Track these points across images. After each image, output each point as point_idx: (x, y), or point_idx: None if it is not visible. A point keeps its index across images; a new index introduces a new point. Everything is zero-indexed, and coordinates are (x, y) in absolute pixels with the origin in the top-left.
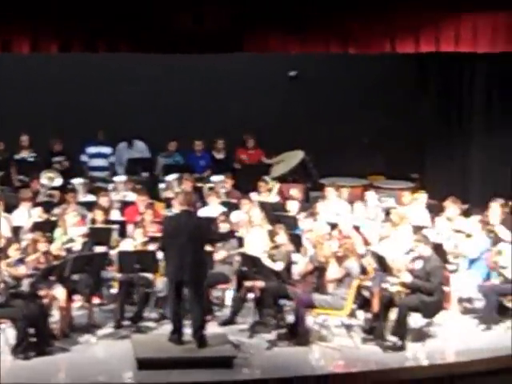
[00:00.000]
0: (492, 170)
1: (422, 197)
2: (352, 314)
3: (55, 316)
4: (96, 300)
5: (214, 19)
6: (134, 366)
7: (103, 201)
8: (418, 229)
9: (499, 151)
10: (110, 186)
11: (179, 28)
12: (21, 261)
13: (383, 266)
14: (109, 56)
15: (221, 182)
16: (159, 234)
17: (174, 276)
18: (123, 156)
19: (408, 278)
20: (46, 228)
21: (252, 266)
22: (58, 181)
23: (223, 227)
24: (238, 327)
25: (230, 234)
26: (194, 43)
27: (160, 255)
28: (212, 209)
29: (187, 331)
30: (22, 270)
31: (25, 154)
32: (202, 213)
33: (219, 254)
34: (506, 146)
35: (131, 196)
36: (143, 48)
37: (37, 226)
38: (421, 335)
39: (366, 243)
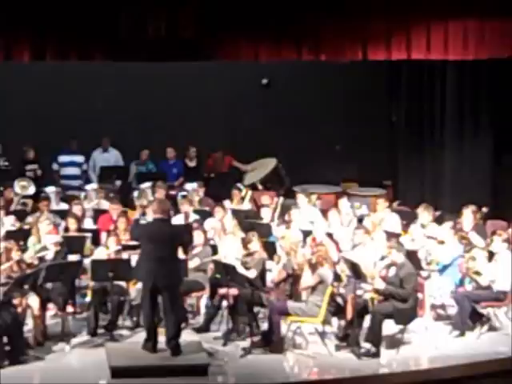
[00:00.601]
0: (464, 176)
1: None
2: (326, 321)
3: (29, 325)
4: (70, 308)
5: (186, 28)
6: (108, 375)
7: (76, 209)
8: (391, 236)
9: (471, 158)
10: (83, 195)
11: (152, 37)
12: None
13: (357, 273)
14: (82, 64)
15: (194, 189)
16: (132, 243)
17: (148, 284)
18: (97, 162)
19: (381, 285)
20: (19, 236)
21: (226, 273)
22: (31, 189)
23: (197, 235)
24: (212, 335)
25: (204, 242)
26: (166, 52)
27: (133, 263)
28: (185, 217)
29: (161, 339)
30: None
31: None
32: (176, 221)
33: (193, 262)
34: (478, 153)
35: (104, 204)
36: (116, 56)
37: (10, 235)
38: (395, 342)
39: (340, 250)
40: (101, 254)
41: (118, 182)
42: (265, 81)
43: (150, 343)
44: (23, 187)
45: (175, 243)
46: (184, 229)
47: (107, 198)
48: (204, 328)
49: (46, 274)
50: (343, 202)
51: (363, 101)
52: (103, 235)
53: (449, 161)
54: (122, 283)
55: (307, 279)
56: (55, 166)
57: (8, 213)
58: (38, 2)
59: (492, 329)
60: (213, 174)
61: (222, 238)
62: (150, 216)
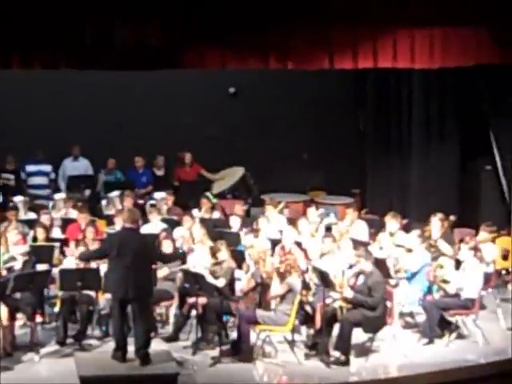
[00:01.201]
0: (431, 183)
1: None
2: (295, 330)
3: None
4: (39, 318)
5: (153, 36)
6: None
7: (44, 218)
8: (358, 244)
9: (438, 166)
10: (51, 204)
11: (118, 45)
12: None
13: (325, 281)
14: (48, 73)
15: (162, 198)
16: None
17: (119, 294)
18: (67, 171)
19: (350, 294)
20: None
21: (194, 282)
22: None
23: (166, 244)
24: (181, 344)
25: (181, 255)
26: (132, 60)
27: (102, 272)
28: (154, 226)
29: (130, 348)
30: None
31: None
32: (144, 230)
33: (162, 271)
34: (445, 161)
35: (72, 213)
36: (83, 65)
37: None
38: (364, 350)
39: (308, 259)
40: (69, 263)
41: (87, 192)
42: (232, 89)
43: (120, 353)
44: None
45: (146, 253)
46: (154, 239)
47: (75, 207)
48: (173, 337)
49: (15, 283)
50: (311, 211)
51: (330, 109)
52: (71, 244)
53: (416, 168)
54: (91, 293)
55: (276, 288)
56: (23, 175)
57: None
58: (3, 10)
59: (460, 336)
60: (177, 183)
61: (190, 247)
62: (119, 225)
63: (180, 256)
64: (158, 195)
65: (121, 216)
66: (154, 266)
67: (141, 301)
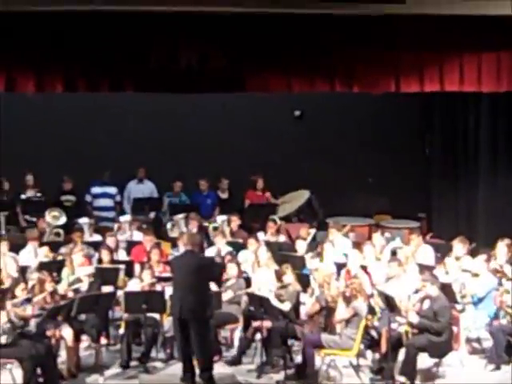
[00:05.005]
0: (498, 209)
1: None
2: (360, 354)
3: (62, 356)
4: (103, 340)
5: (218, 59)
6: None
7: (110, 240)
8: (424, 268)
9: (505, 190)
10: (116, 226)
11: (183, 68)
12: (28, 301)
13: (391, 305)
14: (114, 96)
15: (226, 221)
16: (166, 274)
17: (176, 314)
18: (132, 193)
19: (415, 319)
20: (53, 268)
21: (259, 306)
22: (63, 219)
23: (230, 267)
24: (245, 367)
25: (238, 275)
26: (198, 83)
27: (167, 295)
28: (218, 249)
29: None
30: (28, 310)
31: (30, 194)
32: (209, 253)
33: (227, 294)
34: None
35: (137, 236)
36: (147, 87)
37: (43, 266)
38: (430, 375)
39: (373, 283)
40: (134, 285)
41: (152, 214)
42: (297, 113)
43: (189, 375)
44: (54, 217)
45: (203, 275)
46: (213, 262)
47: (140, 229)
48: (237, 360)
49: (80, 305)
50: (376, 235)
51: (396, 132)
52: (136, 267)
53: (483, 192)
54: (156, 315)
55: (341, 312)
56: (88, 198)
57: (41, 244)
58: (70, 34)
59: None
60: (246, 206)
61: (255, 271)
62: (182, 248)
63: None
64: (221, 218)
65: (183, 239)
66: (218, 290)
67: (197, 322)
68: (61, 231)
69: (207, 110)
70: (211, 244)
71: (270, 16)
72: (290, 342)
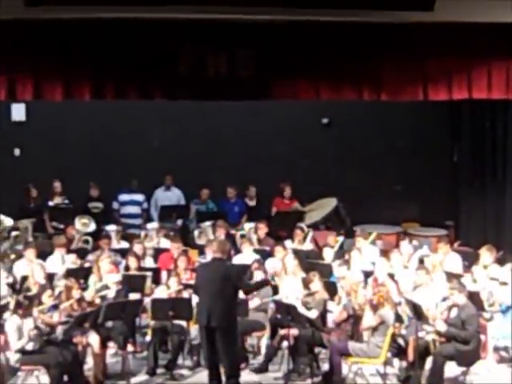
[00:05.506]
0: None
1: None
2: (387, 363)
3: (89, 363)
4: (130, 347)
5: (246, 66)
6: None
7: (137, 248)
8: (452, 276)
9: None
10: (143, 233)
11: (211, 75)
12: (54, 307)
13: (418, 314)
14: (141, 103)
15: (253, 229)
16: (193, 282)
17: (203, 321)
18: (159, 201)
19: (443, 327)
20: (80, 275)
21: (286, 313)
22: (92, 226)
23: (257, 275)
24: (272, 375)
25: (265, 283)
26: (226, 90)
27: (194, 302)
28: (245, 256)
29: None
30: (55, 317)
31: (58, 201)
32: (236, 260)
33: (254, 302)
34: None
35: (165, 243)
36: (175, 95)
37: (70, 273)
38: None
39: (400, 291)
40: (161, 292)
41: (179, 221)
42: (325, 120)
43: (215, 382)
44: (84, 224)
45: (231, 283)
46: (240, 269)
47: (168, 236)
48: (263, 368)
49: (107, 312)
50: (404, 243)
51: (424, 140)
52: (164, 274)
53: (511, 200)
54: (183, 322)
55: (368, 320)
56: (115, 205)
57: (69, 251)
58: (98, 41)
59: None
60: (273, 213)
61: (282, 278)
62: (209, 255)
63: (263, 284)
64: (248, 226)
65: (210, 247)
66: (245, 297)
67: (224, 330)
68: (89, 238)
69: (235, 117)
70: (238, 251)
71: (298, 24)
72: (316, 349)
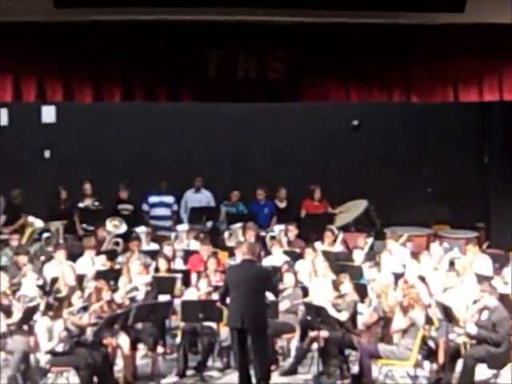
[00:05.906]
0: None
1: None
2: (417, 365)
3: (119, 365)
4: (160, 349)
5: (276, 69)
6: None
7: (167, 249)
8: (482, 279)
9: None
10: (173, 235)
11: (241, 77)
12: (84, 309)
13: (449, 316)
14: (171, 105)
15: (283, 231)
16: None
17: (234, 324)
18: (189, 203)
19: (473, 330)
20: (110, 276)
21: (316, 315)
22: (123, 228)
23: (287, 277)
24: (302, 377)
25: (295, 284)
26: (255, 92)
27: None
28: (276, 258)
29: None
30: (85, 318)
31: (88, 203)
32: (266, 262)
33: (284, 304)
34: None
35: (194, 245)
36: (205, 97)
37: (100, 275)
38: None
39: (431, 293)
40: (191, 294)
41: (209, 223)
42: (355, 122)
43: None
44: (115, 226)
45: (261, 285)
46: (270, 271)
47: (198, 238)
48: (293, 370)
49: (137, 314)
50: (435, 245)
51: (455, 142)
52: (193, 276)
53: None
54: (213, 324)
55: (399, 322)
56: (145, 207)
57: (99, 252)
58: (128, 43)
59: None
60: (303, 215)
61: (312, 280)
62: (239, 257)
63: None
64: (278, 227)
65: (241, 248)
66: (275, 299)
67: (256, 332)
68: (120, 240)
69: (264, 118)
70: (268, 253)
71: (327, 25)
72: (346, 351)
